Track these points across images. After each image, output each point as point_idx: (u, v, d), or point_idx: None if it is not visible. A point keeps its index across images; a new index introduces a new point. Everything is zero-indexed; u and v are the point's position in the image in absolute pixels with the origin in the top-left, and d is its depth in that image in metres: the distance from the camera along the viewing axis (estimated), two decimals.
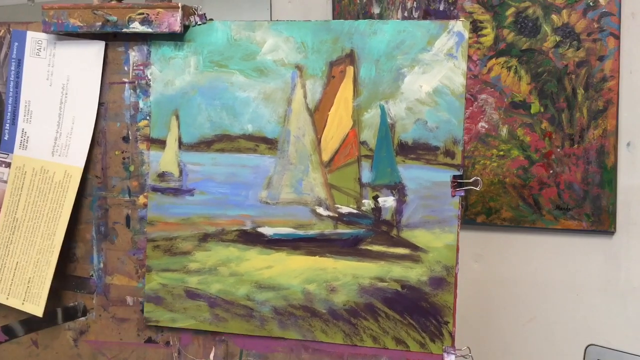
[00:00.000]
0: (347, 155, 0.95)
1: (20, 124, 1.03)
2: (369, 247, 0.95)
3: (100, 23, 0.97)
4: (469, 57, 1.55)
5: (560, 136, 1.53)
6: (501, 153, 1.57)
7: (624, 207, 1.52)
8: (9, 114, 1.03)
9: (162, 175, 1.00)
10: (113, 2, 0.99)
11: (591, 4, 1.48)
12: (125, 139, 1.01)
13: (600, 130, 1.50)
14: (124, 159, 1.02)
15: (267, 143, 0.97)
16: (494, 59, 1.56)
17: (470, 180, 0.92)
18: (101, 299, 1.04)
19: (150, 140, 1.00)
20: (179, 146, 0.99)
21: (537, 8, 1.52)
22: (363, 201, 0.95)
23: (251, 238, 0.98)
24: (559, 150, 1.53)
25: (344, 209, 0.96)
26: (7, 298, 1.02)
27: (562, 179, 1.54)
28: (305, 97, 0.96)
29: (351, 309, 0.96)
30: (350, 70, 0.94)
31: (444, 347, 0.94)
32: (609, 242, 1.54)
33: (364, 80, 0.94)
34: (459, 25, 0.91)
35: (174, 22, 0.96)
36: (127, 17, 0.96)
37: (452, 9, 1.59)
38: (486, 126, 1.58)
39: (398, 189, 0.94)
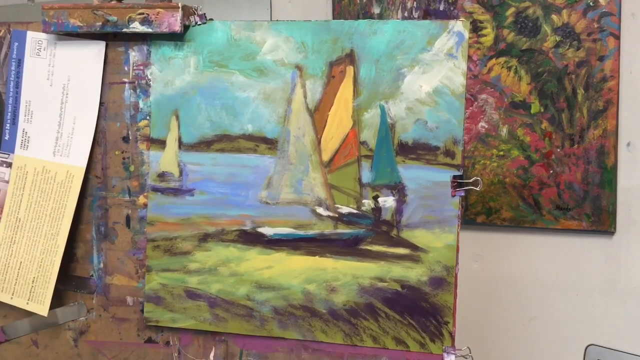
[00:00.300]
0: (347, 155, 0.95)
1: (21, 124, 1.03)
2: (369, 247, 0.95)
3: (100, 23, 0.97)
4: (469, 57, 1.55)
5: (560, 136, 1.53)
6: (501, 153, 1.57)
7: (624, 207, 1.52)
8: (9, 114, 1.03)
9: (162, 175, 1.00)
10: (113, 2, 0.99)
11: (591, 4, 1.48)
12: (125, 139, 1.02)
13: (600, 130, 1.50)
14: (124, 159, 1.02)
15: (267, 143, 0.97)
16: (494, 59, 1.56)
17: (470, 180, 0.92)
18: (101, 299, 1.04)
19: (150, 140, 1.00)
20: (179, 146, 0.99)
21: (537, 8, 1.52)
22: (363, 201, 0.95)
23: (251, 238, 0.98)
24: (559, 150, 1.53)
25: (344, 209, 0.96)
26: (12, 297, 1.02)
27: (562, 179, 1.54)
28: (305, 97, 0.96)
29: (351, 309, 0.96)
30: (350, 70, 0.94)
31: (444, 347, 0.94)
32: (609, 242, 1.54)
33: (364, 80, 0.94)
34: (459, 25, 0.91)
35: (174, 22, 0.96)
36: (127, 17, 0.96)
37: (452, 9, 1.59)
38: (486, 126, 1.58)
39: (398, 189, 0.94)
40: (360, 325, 0.96)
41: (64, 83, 1.02)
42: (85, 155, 1.01)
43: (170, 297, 1.00)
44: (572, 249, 1.57)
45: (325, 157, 0.96)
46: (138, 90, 1.01)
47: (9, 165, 1.03)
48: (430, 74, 0.92)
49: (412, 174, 0.93)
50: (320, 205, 0.96)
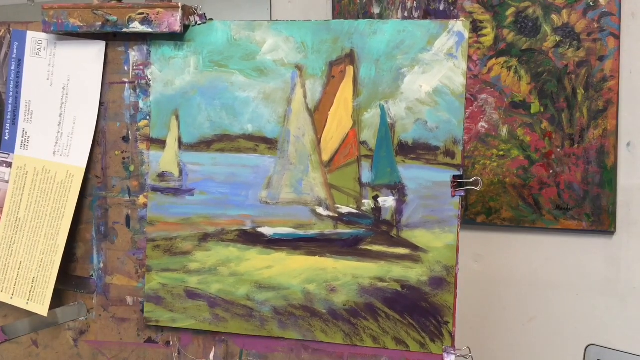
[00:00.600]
0: (347, 155, 0.95)
1: (21, 124, 1.03)
2: (369, 247, 0.95)
3: (100, 23, 0.97)
4: (469, 57, 1.55)
5: (560, 136, 1.53)
6: (501, 153, 1.57)
7: (624, 207, 1.52)
8: (9, 114, 1.03)
9: (162, 175, 1.00)
10: (113, 2, 0.99)
11: (591, 4, 1.48)
12: (125, 139, 1.02)
13: (600, 130, 1.50)
14: (124, 159, 1.02)
15: (267, 143, 0.97)
16: (494, 59, 1.56)
17: (470, 180, 0.92)
18: (101, 299, 1.04)
19: (150, 140, 1.00)
20: (179, 146, 0.99)
21: (537, 8, 1.52)
22: (363, 201, 0.95)
23: (251, 238, 0.98)
24: (559, 150, 1.53)
25: (344, 209, 0.96)
26: (11, 297, 1.02)
27: (562, 179, 1.54)
28: (305, 97, 0.96)
29: (351, 309, 0.96)
30: (350, 70, 0.94)
31: (444, 347, 0.94)
32: (609, 242, 1.54)
33: (364, 80, 0.94)
34: (459, 25, 0.91)
35: (174, 22, 0.96)
36: (127, 17, 0.96)
37: (452, 9, 1.59)
38: (486, 126, 1.58)
39: (398, 189, 0.94)
40: (360, 325, 0.96)
41: (64, 83, 1.02)
42: (85, 155, 1.01)
43: (170, 297, 1.00)
44: (572, 249, 1.57)
45: (325, 157, 0.96)
46: (138, 90, 1.01)
47: (9, 165, 1.03)
48: (430, 74, 0.92)
49: (412, 174, 0.93)
50: (320, 205, 0.96)
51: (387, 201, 0.94)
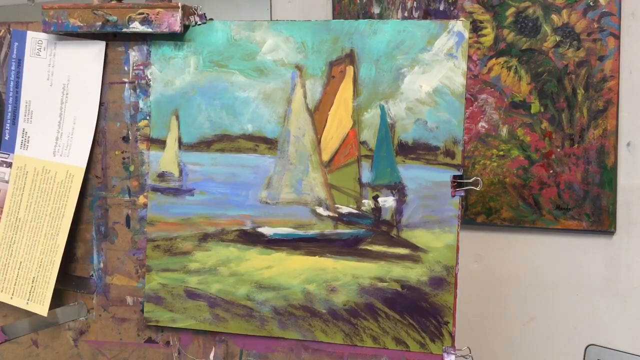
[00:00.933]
0: (347, 155, 0.95)
1: (21, 124, 1.03)
2: (369, 247, 0.95)
3: (100, 23, 0.97)
4: (469, 57, 1.55)
5: (560, 136, 1.53)
6: (501, 153, 1.57)
7: (624, 207, 1.52)
8: (9, 114, 1.03)
9: (162, 175, 1.00)
10: (113, 2, 0.99)
11: (591, 4, 1.48)
12: (125, 139, 1.02)
13: (600, 130, 1.50)
14: (124, 159, 1.02)
15: (267, 143, 0.97)
16: (494, 59, 1.56)
17: (470, 180, 0.92)
18: (101, 299, 1.04)
19: (150, 140, 1.00)
20: (179, 146, 0.99)
21: (537, 8, 1.52)
22: (363, 201, 0.95)
23: (251, 238, 0.98)
24: (559, 150, 1.53)
25: (344, 209, 0.96)
26: (11, 297, 1.02)
27: (562, 179, 1.54)
28: (305, 97, 0.96)
29: (351, 309, 0.96)
30: (350, 70, 0.94)
31: (443, 347, 0.94)
32: (609, 242, 1.54)
33: (364, 80, 0.94)
34: (459, 25, 0.91)
35: (174, 22, 0.96)
36: (127, 17, 0.96)
37: (452, 9, 1.59)
38: (486, 126, 1.58)
39: (398, 189, 0.94)
40: (360, 325, 0.96)
41: (64, 83, 1.02)
42: (85, 155, 1.01)
43: (170, 297, 1.00)
44: (572, 249, 1.57)
45: (325, 157, 0.96)
46: (138, 90, 1.01)
47: (9, 165, 1.03)
48: (430, 74, 0.92)
49: (412, 174, 0.93)
50: (320, 205, 0.96)
51: (387, 201, 0.94)
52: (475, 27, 1.56)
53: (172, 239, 1.00)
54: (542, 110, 1.54)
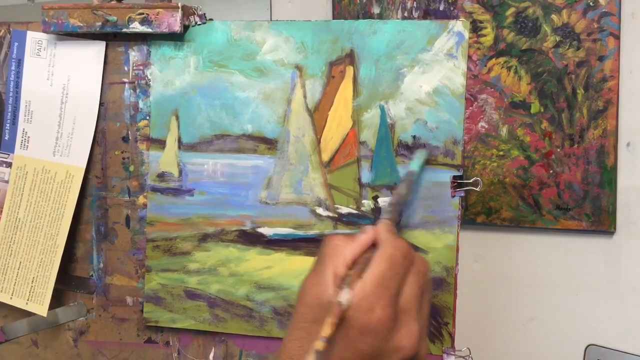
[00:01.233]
0: (346, 156, 0.95)
1: (21, 124, 1.03)
2: None
3: (100, 23, 0.97)
4: (469, 57, 1.55)
5: (560, 136, 1.53)
6: (501, 153, 1.57)
7: (624, 207, 1.52)
8: (9, 114, 1.03)
9: (161, 176, 1.00)
10: (113, 2, 0.99)
11: (591, 4, 1.48)
12: (125, 139, 1.01)
13: (600, 130, 1.50)
14: (123, 159, 1.02)
15: (266, 143, 0.97)
16: (494, 59, 1.56)
17: (470, 181, 0.92)
18: (101, 299, 1.04)
19: (150, 140, 1.00)
20: (179, 146, 0.99)
21: (537, 8, 1.52)
22: (363, 201, 0.95)
23: (251, 238, 0.98)
24: (559, 150, 1.53)
25: (344, 209, 0.96)
26: (11, 298, 1.02)
27: (562, 179, 1.54)
28: (305, 97, 0.96)
29: None
30: (350, 70, 0.94)
31: (443, 348, 0.94)
32: (609, 242, 1.54)
33: (364, 80, 0.94)
34: (459, 25, 0.91)
35: (174, 22, 0.96)
36: (127, 17, 0.96)
37: (452, 9, 1.59)
38: (486, 126, 1.58)
39: None
40: None
41: (64, 83, 1.02)
42: (85, 155, 1.01)
43: (170, 297, 1.00)
44: (572, 249, 1.57)
45: (325, 157, 0.96)
46: (138, 90, 1.01)
47: (9, 165, 1.03)
48: (430, 74, 0.92)
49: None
50: (320, 205, 0.96)
51: (387, 201, 0.94)
52: (475, 27, 1.56)
53: (172, 239, 1.00)
54: (542, 110, 1.54)
